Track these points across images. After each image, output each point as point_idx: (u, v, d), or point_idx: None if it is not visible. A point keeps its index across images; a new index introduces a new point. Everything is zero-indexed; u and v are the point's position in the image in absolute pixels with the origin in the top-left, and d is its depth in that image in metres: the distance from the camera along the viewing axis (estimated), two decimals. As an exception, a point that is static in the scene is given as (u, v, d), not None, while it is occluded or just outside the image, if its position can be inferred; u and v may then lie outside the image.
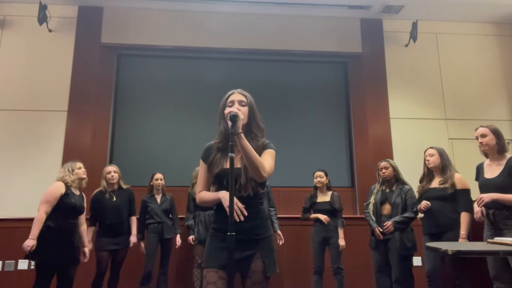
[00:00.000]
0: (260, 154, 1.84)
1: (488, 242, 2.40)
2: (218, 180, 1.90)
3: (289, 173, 5.44)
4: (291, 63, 5.94)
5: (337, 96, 5.92)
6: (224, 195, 1.81)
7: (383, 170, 3.71)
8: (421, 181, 3.58)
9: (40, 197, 3.31)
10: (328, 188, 4.28)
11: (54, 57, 5.34)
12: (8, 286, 4.51)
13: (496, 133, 2.96)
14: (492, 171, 2.96)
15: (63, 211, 3.28)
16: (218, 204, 1.88)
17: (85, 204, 3.55)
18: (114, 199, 3.89)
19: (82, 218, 3.51)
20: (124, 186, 4.03)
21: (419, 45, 5.70)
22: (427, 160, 3.50)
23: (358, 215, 5.20)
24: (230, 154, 1.69)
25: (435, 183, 3.43)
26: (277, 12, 5.66)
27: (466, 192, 3.32)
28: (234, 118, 1.72)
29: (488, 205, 2.85)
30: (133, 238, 3.96)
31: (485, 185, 2.95)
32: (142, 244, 4.21)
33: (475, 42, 5.98)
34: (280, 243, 4.32)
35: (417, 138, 5.43)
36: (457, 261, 3.27)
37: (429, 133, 5.53)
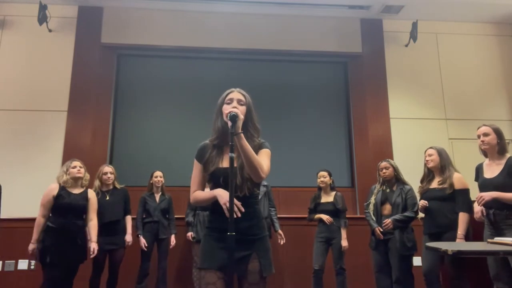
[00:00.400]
0: (256, 154, 1.82)
1: (488, 242, 2.40)
2: (214, 179, 1.89)
3: (289, 173, 5.44)
4: (291, 63, 5.94)
5: (337, 96, 5.92)
6: (220, 193, 1.79)
7: (384, 170, 3.71)
8: (421, 181, 3.58)
9: (40, 197, 3.41)
10: (332, 188, 4.26)
11: (54, 57, 5.34)
12: (8, 286, 4.51)
13: (498, 133, 2.96)
14: (492, 170, 2.96)
15: (61, 211, 3.34)
16: (213, 203, 1.87)
17: (89, 201, 3.53)
18: (108, 198, 3.91)
19: (90, 215, 3.52)
20: (119, 186, 4.05)
21: (419, 45, 5.70)
22: (427, 160, 3.50)
23: (358, 215, 5.20)
24: (230, 154, 1.68)
25: (435, 184, 3.44)
26: (277, 12, 5.65)
27: (465, 192, 3.31)
28: (234, 118, 1.72)
29: (489, 205, 2.85)
30: (128, 238, 3.96)
31: (485, 185, 2.95)
32: (143, 240, 4.18)
33: (475, 42, 5.98)
34: (282, 242, 4.31)
35: (417, 138, 5.43)
36: (457, 261, 3.27)
37: (429, 133, 5.53)
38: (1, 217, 3.57)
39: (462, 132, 5.56)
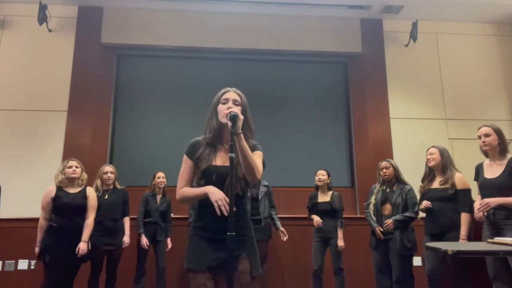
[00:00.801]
0: None
1: (488, 242, 2.40)
2: (206, 176, 1.85)
3: (289, 173, 5.45)
4: (291, 63, 5.94)
5: (337, 96, 5.92)
6: (212, 190, 1.76)
7: (384, 170, 3.71)
8: (422, 180, 3.57)
9: (40, 197, 3.44)
10: (329, 188, 4.27)
11: (54, 57, 5.34)
12: (8, 286, 4.51)
13: (499, 133, 2.96)
14: (493, 171, 2.96)
15: (61, 211, 3.35)
16: (201, 201, 1.84)
17: (89, 200, 3.51)
18: (107, 197, 3.91)
19: (88, 212, 3.50)
20: (119, 187, 4.05)
21: (419, 45, 5.70)
22: (428, 159, 3.49)
23: (358, 215, 5.20)
24: (230, 154, 1.68)
25: (436, 183, 3.43)
26: (277, 12, 5.65)
27: (467, 192, 3.32)
28: (234, 118, 1.71)
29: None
30: (126, 239, 3.95)
31: (486, 185, 2.94)
32: (145, 239, 4.16)
33: (475, 42, 5.98)
34: (284, 239, 4.31)
35: (417, 138, 5.43)
36: (459, 261, 3.27)
37: (429, 133, 5.53)
38: (1, 217, 3.57)
39: (462, 132, 5.56)
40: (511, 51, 5.99)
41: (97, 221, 3.72)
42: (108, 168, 4.01)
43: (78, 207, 3.42)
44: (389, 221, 3.48)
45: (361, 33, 5.79)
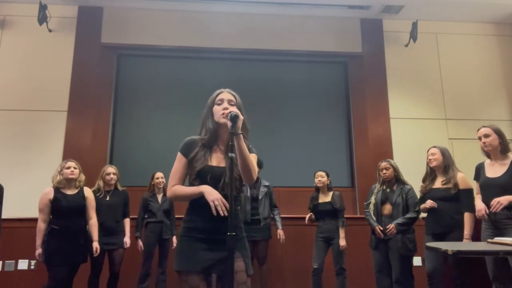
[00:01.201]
0: None
1: (488, 242, 2.40)
2: (200, 177, 1.84)
3: (290, 173, 5.44)
4: (291, 63, 5.94)
5: (337, 96, 5.92)
6: (208, 190, 1.76)
7: (384, 171, 3.71)
8: (424, 180, 3.57)
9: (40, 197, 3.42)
10: (329, 188, 4.27)
11: (54, 57, 5.34)
12: (8, 286, 4.51)
13: (499, 132, 2.96)
14: (495, 170, 2.96)
15: (61, 213, 3.36)
16: (192, 201, 1.84)
17: (88, 200, 3.54)
18: (108, 198, 3.91)
19: (89, 214, 3.54)
20: (120, 188, 4.06)
21: (419, 45, 5.70)
22: (429, 159, 3.49)
23: (358, 215, 5.20)
24: (230, 154, 1.68)
25: (438, 183, 3.43)
26: (277, 12, 5.65)
27: (469, 192, 3.31)
28: (235, 118, 1.72)
29: (491, 205, 2.84)
30: (127, 240, 3.96)
31: (488, 184, 2.94)
32: (140, 243, 4.20)
33: (475, 42, 5.98)
34: (281, 240, 4.31)
35: (417, 138, 5.43)
36: (460, 262, 3.26)
37: (429, 133, 5.53)
38: (1, 217, 3.57)
39: (462, 132, 5.56)
40: (511, 51, 5.99)
41: (98, 222, 3.74)
42: (111, 169, 4.01)
43: (77, 208, 3.43)
44: (391, 226, 3.47)
45: (361, 33, 5.79)
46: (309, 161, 5.42)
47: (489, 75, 5.88)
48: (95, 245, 3.52)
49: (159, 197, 4.37)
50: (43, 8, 5.07)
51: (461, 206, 3.27)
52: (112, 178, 3.96)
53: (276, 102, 5.74)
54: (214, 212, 1.70)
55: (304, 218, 4.36)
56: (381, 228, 3.55)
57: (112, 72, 5.63)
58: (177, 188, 1.87)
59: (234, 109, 1.79)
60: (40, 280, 3.43)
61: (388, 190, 3.70)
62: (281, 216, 4.49)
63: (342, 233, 4.07)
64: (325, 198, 4.22)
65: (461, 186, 3.31)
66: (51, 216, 3.37)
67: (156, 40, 5.53)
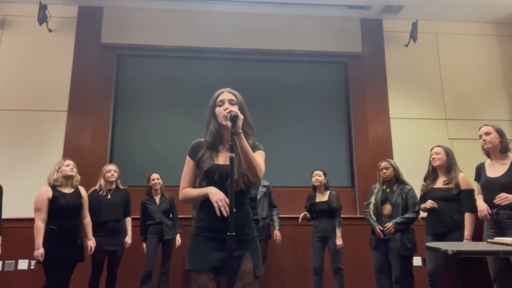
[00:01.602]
0: None
1: (489, 242, 2.40)
2: (208, 176, 1.86)
3: (289, 173, 5.44)
4: (291, 63, 5.94)
5: (337, 96, 5.92)
6: (212, 191, 1.78)
7: (384, 171, 3.71)
8: (425, 179, 3.56)
9: None
10: (326, 188, 4.27)
11: (54, 57, 5.33)
12: (8, 286, 4.51)
13: (500, 132, 2.97)
14: (495, 170, 2.96)
15: (59, 213, 3.34)
16: (202, 201, 1.85)
17: (83, 199, 3.55)
18: (109, 197, 3.91)
19: (84, 212, 3.56)
20: (121, 187, 4.06)
21: (419, 45, 5.70)
22: (433, 158, 3.47)
23: (358, 215, 5.20)
24: (230, 154, 1.68)
25: (439, 183, 3.42)
26: (277, 12, 5.65)
27: (471, 192, 3.31)
28: (234, 118, 1.72)
29: (493, 204, 2.84)
30: (128, 239, 3.96)
31: (489, 184, 2.94)
32: (144, 245, 4.22)
33: (475, 42, 5.97)
34: (277, 241, 4.31)
35: (417, 138, 5.43)
36: (460, 262, 3.26)
37: (429, 133, 5.53)
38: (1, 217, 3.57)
39: (462, 132, 5.56)
40: (511, 51, 5.99)
41: (100, 222, 3.75)
42: (111, 166, 4.03)
43: (76, 208, 3.44)
44: (389, 225, 3.47)
45: (361, 33, 5.78)
46: (309, 161, 5.41)
47: (489, 75, 5.88)
48: (90, 243, 3.55)
49: (157, 198, 4.36)
50: (43, 8, 5.07)
51: (462, 206, 3.27)
52: (112, 175, 3.96)
53: (276, 102, 5.73)
54: (217, 212, 1.71)
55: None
56: (381, 228, 3.55)
57: (112, 72, 5.62)
58: (186, 191, 1.91)
59: (233, 109, 1.79)
60: (40, 280, 3.41)
61: (388, 190, 3.70)
62: (281, 216, 4.49)
63: (338, 232, 4.08)
64: (322, 197, 4.22)
65: (463, 186, 3.31)
66: (49, 216, 3.34)
67: (156, 40, 5.53)
